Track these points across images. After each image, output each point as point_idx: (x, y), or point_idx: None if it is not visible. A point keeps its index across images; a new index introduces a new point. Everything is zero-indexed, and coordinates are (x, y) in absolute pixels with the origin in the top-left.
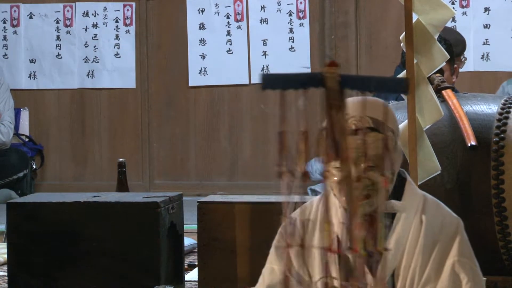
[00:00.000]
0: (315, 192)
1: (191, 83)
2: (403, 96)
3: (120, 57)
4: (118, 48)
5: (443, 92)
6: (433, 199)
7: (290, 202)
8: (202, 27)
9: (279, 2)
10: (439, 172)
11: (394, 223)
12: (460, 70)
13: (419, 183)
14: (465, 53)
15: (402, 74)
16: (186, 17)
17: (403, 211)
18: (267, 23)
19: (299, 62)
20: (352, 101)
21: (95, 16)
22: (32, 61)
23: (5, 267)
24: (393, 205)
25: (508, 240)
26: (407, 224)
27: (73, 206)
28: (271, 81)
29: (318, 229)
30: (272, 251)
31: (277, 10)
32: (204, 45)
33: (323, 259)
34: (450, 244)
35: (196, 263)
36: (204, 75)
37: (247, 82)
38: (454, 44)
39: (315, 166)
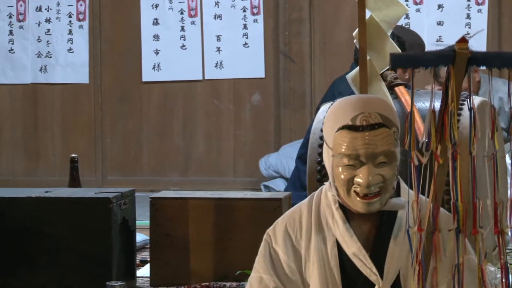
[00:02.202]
0: (268, 188)
1: (144, 79)
2: (356, 92)
3: (73, 52)
4: (71, 43)
5: (396, 88)
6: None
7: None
8: (155, 22)
9: None
10: None
11: (397, 222)
12: None
13: None
14: None
15: (355, 71)
16: (139, 13)
17: (404, 208)
18: (221, 19)
19: (253, 58)
20: (359, 98)
21: (48, 11)
22: None
23: None
24: (395, 202)
25: None
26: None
27: (24, 201)
28: (401, 61)
29: (314, 235)
30: (259, 259)
31: (231, 6)
32: (158, 40)
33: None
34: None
35: (148, 259)
36: (158, 71)
37: (200, 77)
38: (410, 46)
39: (268, 163)
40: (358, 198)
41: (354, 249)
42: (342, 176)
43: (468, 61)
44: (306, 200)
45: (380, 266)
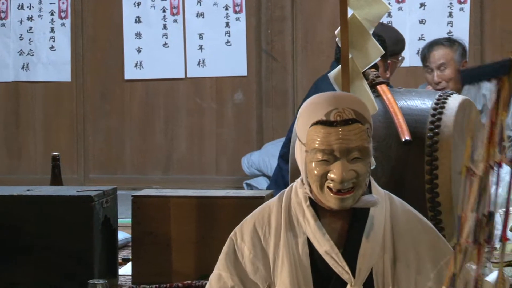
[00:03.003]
0: (250, 187)
1: (126, 77)
2: (337, 90)
3: (55, 50)
4: (54, 41)
5: (378, 87)
6: (390, 194)
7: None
8: (138, 20)
9: None
10: (373, 167)
11: (369, 219)
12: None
13: None
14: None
15: (337, 69)
16: (122, 11)
17: (376, 205)
18: (203, 17)
19: (235, 56)
20: (332, 95)
21: (30, 9)
22: None
23: None
24: (367, 200)
25: (442, 235)
26: (379, 219)
27: (6, 199)
28: (470, 77)
29: (284, 233)
30: (221, 257)
31: (214, 4)
32: (140, 38)
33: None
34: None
35: (130, 257)
36: (140, 69)
37: (183, 76)
38: (394, 43)
39: (250, 161)
40: (331, 194)
41: (326, 247)
42: (315, 172)
43: None
44: (275, 198)
45: (352, 264)
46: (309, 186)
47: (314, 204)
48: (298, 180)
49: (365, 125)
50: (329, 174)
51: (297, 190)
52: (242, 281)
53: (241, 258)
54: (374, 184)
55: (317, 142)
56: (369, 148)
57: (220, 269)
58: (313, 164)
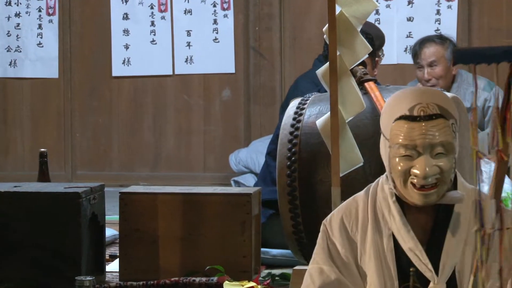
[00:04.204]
0: (238, 184)
1: (114, 74)
2: (325, 88)
3: (43, 46)
4: (41, 38)
5: (366, 84)
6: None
7: None
8: (126, 17)
9: None
10: (361, 164)
11: (454, 216)
12: (383, 63)
13: (341, 175)
14: (384, 47)
15: (325, 66)
16: (109, 7)
17: (462, 202)
18: (191, 14)
19: (223, 53)
20: (417, 89)
21: (18, 5)
22: None
23: None
24: (452, 196)
25: None
26: (465, 216)
27: None
28: (464, 56)
29: (370, 228)
30: (318, 250)
31: (201, 1)
32: (128, 35)
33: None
34: None
35: (118, 254)
36: (128, 66)
37: (170, 72)
38: (375, 38)
39: (238, 158)
40: (415, 190)
41: (410, 244)
42: (399, 167)
43: None
44: (362, 193)
45: (435, 261)
46: (393, 181)
47: (399, 200)
48: (384, 175)
49: (450, 120)
50: (412, 170)
51: (383, 185)
52: (342, 274)
53: (336, 252)
54: (461, 180)
55: (401, 138)
56: (454, 144)
57: (320, 263)
58: (397, 160)
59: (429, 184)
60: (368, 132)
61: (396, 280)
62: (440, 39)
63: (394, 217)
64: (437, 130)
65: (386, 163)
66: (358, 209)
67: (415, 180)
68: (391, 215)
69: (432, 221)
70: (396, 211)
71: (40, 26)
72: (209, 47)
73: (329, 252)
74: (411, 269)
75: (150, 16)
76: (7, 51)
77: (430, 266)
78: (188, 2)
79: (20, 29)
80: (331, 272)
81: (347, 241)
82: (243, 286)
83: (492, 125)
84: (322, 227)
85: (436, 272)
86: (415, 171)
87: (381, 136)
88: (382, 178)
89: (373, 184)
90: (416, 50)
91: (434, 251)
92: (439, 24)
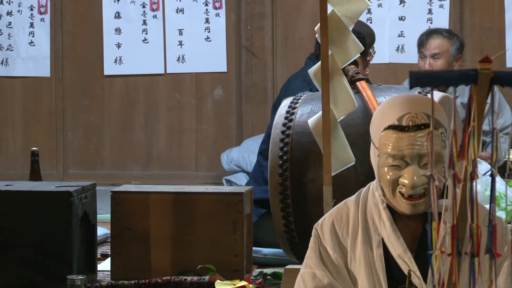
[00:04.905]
0: (230, 183)
1: (106, 72)
2: (317, 87)
3: (34, 45)
4: (33, 37)
5: (357, 83)
6: None
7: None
8: (117, 16)
9: None
10: (353, 163)
11: None
12: (375, 62)
13: (333, 174)
14: (375, 45)
15: (317, 65)
16: (101, 6)
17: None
18: (183, 13)
19: (215, 52)
20: (406, 98)
21: (9, 4)
22: None
23: None
24: (440, 204)
25: None
26: None
27: None
28: (421, 79)
29: (360, 234)
30: (310, 255)
31: (193, 0)
32: (120, 34)
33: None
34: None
35: (109, 253)
36: (120, 64)
37: (162, 71)
38: (366, 36)
39: (230, 157)
40: (403, 199)
41: (399, 250)
42: (388, 177)
43: (491, 81)
44: (353, 197)
45: (424, 268)
46: (382, 190)
47: (389, 206)
48: (375, 181)
49: (439, 129)
50: (400, 179)
51: (374, 191)
52: (335, 278)
53: (327, 256)
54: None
55: (389, 147)
56: (442, 154)
57: (312, 267)
58: (385, 169)
59: (417, 194)
60: (359, 131)
61: (385, 286)
62: (448, 33)
63: (385, 223)
64: (426, 141)
65: (375, 171)
66: (349, 214)
67: (403, 190)
68: (381, 221)
69: (422, 228)
70: (387, 218)
71: (31, 25)
72: (201, 46)
73: (320, 256)
74: (408, 270)
75: (142, 15)
76: None
77: (418, 273)
78: (180, 1)
79: (11, 27)
80: (323, 277)
81: (338, 246)
82: (234, 285)
83: (449, 148)
84: (313, 231)
85: (425, 279)
86: (403, 180)
87: (371, 144)
88: (373, 183)
89: (364, 189)
90: (422, 40)
91: (423, 258)
92: (431, 23)
